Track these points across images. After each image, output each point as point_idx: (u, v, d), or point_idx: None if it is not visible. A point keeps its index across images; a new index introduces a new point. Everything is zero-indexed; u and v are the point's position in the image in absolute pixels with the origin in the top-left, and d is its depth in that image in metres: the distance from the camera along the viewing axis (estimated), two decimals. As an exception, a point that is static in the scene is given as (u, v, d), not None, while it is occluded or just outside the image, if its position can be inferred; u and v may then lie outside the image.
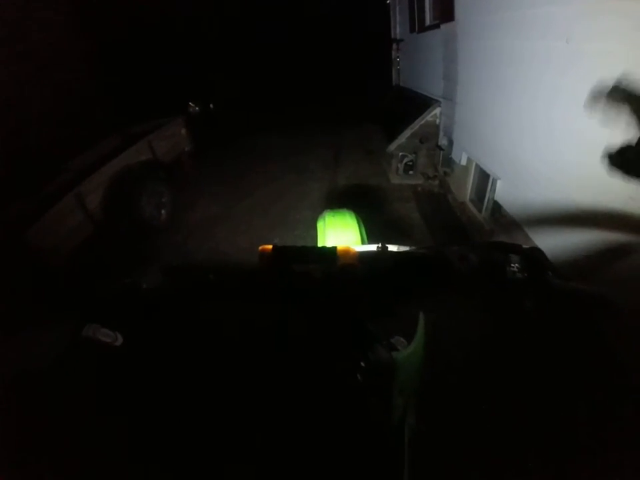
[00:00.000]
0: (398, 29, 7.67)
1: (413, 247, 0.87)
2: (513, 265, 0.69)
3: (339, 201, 4.72)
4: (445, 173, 5.09)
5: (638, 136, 1.81)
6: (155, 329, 0.65)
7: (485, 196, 3.92)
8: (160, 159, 4.96)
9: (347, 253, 0.73)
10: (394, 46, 7.81)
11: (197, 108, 7.77)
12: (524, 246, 0.74)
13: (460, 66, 4.29)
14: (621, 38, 1.96)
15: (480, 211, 4.08)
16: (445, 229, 4.12)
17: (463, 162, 4.42)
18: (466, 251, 0.73)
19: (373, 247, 0.88)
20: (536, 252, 0.73)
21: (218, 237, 4.10)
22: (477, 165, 4.18)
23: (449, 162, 4.96)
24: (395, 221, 4.30)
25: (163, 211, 4.65)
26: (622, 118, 1.89)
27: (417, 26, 6.16)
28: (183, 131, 5.62)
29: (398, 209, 4.64)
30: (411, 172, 5.44)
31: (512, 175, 3.31)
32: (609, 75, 2.00)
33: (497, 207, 3.65)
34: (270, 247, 0.74)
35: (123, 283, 0.70)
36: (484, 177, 3.97)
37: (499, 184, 3.52)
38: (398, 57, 7.75)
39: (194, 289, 0.73)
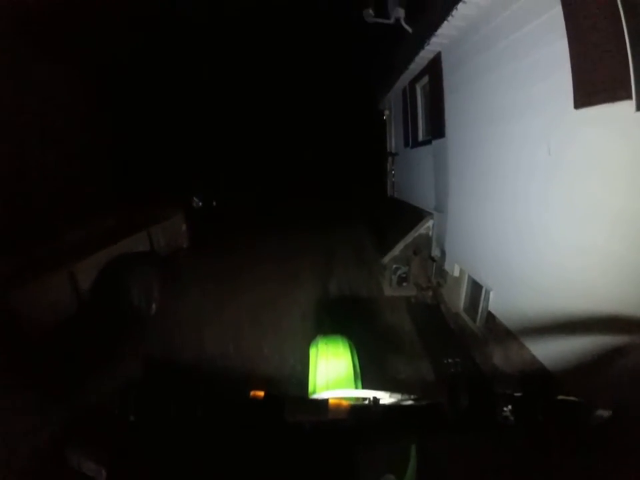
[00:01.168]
0: (393, 142, 8.38)
1: (405, 396, 0.90)
2: (505, 409, 0.70)
3: (330, 312, 4.67)
4: (439, 284, 5.14)
5: None
6: (139, 464, 0.65)
7: (478, 306, 3.92)
8: (157, 251, 5.03)
9: (338, 406, 0.76)
10: (389, 159, 8.45)
11: (200, 203, 8.12)
12: (515, 394, 0.73)
13: (450, 179, 4.59)
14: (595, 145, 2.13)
15: (474, 320, 4.05)
16: (439, 341, 4.04)
17: (456, 273, 4.48)
18: (458, 391, 0.73)
19: (366, 393, 0.90)
20: (529, 397, 0.73)
21: (205, 338, 3.98)
22: (469, 276, 4.24)
23: (442, 273, 5.03)
24: (388, 333, 4.21)
25: (153, 305, 4.58)
26: None
27: (411, 141, 6.73)
28: (183, 227, 5.79)
29: (391, 320, 4.58)
30: (404, 284, 5.43)
31: (504, 284, 3.36)
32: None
33: (490, 317, 3.64)
34: (262, 393, 0.75)
35: (111, 411, 0.69)
36: (477, 288, 4.01)
37: (491, 295, 3.55)
38: (393, 170, 8.33)
39: (182, 424, 0.72)
